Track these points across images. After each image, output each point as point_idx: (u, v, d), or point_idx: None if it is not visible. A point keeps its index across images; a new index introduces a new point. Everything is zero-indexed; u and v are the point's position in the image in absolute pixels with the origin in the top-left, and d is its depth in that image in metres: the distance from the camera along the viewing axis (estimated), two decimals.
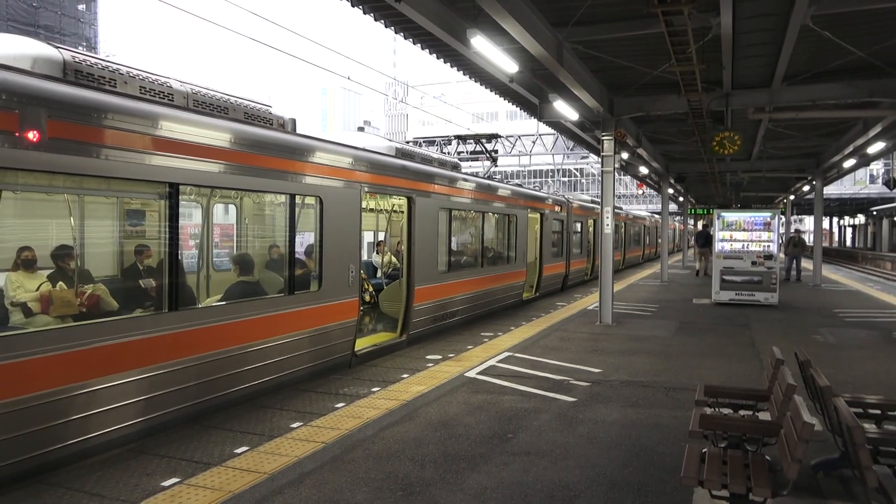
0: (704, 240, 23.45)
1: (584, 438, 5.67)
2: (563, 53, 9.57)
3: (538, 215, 17.21)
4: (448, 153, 19.81)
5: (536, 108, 13.78)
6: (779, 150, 20.79)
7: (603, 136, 12.93)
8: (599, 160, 13.47)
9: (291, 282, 7.48)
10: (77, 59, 5.55)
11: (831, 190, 48.14)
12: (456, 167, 12.96)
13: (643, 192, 60.07)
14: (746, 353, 9.60)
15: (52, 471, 4.84)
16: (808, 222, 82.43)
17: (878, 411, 4.92)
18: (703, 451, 4.18)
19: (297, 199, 7.66)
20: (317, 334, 7.82)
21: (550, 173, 59.27)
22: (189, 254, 8.49)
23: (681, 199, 36.49)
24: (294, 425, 5.97)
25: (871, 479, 3.54)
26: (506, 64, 9.04)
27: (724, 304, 15.40)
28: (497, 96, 14.82)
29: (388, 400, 6.78)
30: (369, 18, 9.24)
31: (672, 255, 40.19)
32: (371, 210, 13.50)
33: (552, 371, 8.23)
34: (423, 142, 25.06)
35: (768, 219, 15.88)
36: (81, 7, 40.23)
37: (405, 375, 8.01)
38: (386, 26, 9.69)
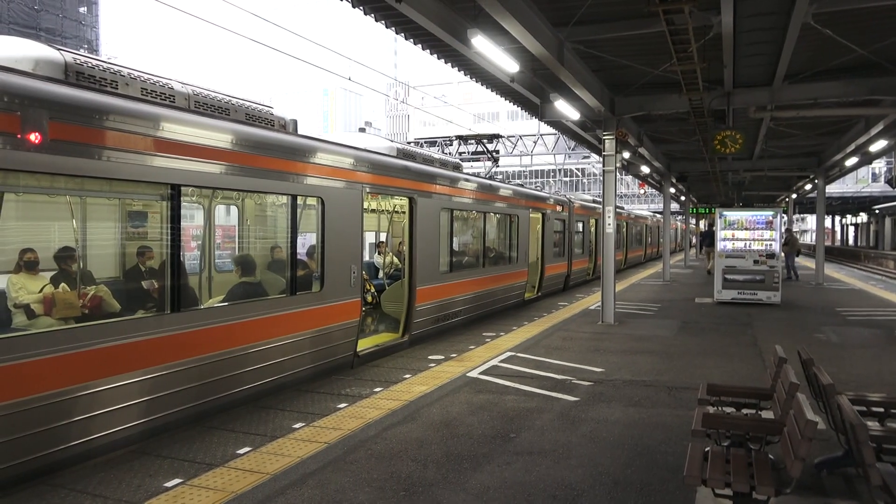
0: (711, 239, 23.45)
1: (586, 438, 5.66)
2: (564, 53, 9.57)
3: (540, 215, 17.20)
4: (449, 153, 19.81)
5: (538, 108, 13.78)
6: (780, 149, 20.75)
7: (604, 135, 12.92)
8: (601, 160, 13.46)
9: (293, 283, 7.48)
10: (78, 61, 5.55)
11: (833, 188, 48.03)
12: (457, 167, 12.95)
13: (645, 192, 60.02)
14: (749, 352, 9.58)
15: (55, 472, 4.85)
16: (811, 221, 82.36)
17: (882, 409, 4.90)
18: (706, 449, 4.17)
19: (299, 200, 7.66)
20: (319, 335, 7.82)
21: (552, 173, 59.30)
22: (191, 255, 8.49)
23: (682, 198, 36.45)
24: (296, 426, 5.98)
25: (874, 477, 3.53)
26: (507, 64, 9.04)
27: (727, 303, 15.39)
28: (498, 96, 14.83)
29: (390, 400, 6.78)
30: (370, 19, 9.25)
31: (674, 254, 40.16)
32: (373, 211, 13.50)
33: (554, 371, 8.23)
34: (425, 142, 25.06)
35: (770, 218, 15.86)
36: (83, 10, 40.34)
37: (407, 376, 8.01)
38: (387, 27, 9.70)
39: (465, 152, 18.83)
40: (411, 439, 5.57)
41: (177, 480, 4.70)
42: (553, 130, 24.30)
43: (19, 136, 4.53)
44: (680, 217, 48.92)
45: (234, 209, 8.92)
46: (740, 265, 15.52)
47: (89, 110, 5.08)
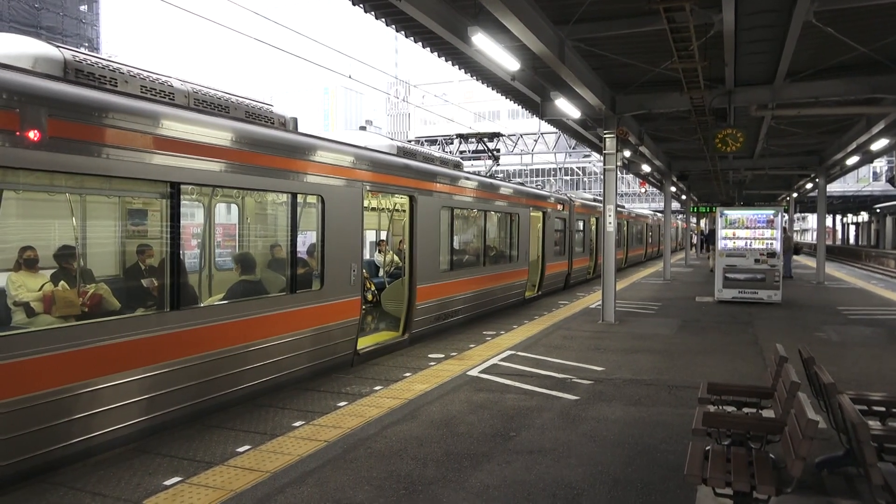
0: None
1: (586, 437, 5.65)
2: (565, 51, 9.55)
3: (540, 214, 17.19)
4: (450, 152, 19.78)
5: (538, 107, 13.76)
6: (781, 148, 20.73)
7: (605, 134, 12.90)
8: (601, 158, 13.44)
9: (293, 281, 7.47)
10: (78, 59, 5.54)
11: (834, 187, 47.98)
12: (458, 166, 12.94)
13: (646, 191, 59.92)
14: (749, 351, 9.57)
15: (54, 470, 4.84)
16: (811, 220, 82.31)
17: (883, 408, 4.89)
18: (707, 448, 4.16)
19: (299, 198, 7.65)
20: (319, 333, 7.81)
21: (553, 172, 59.22)
22: (191, 253, 8.48)
23: (683, 197, 36.43)
24: (296, 424, 5.97)
25: (876, 477, 3.51)
26: (507, 62, 9.02)
27: (727, 301, 15.37)
28: (499, 95, 14.80)
29: (390, 398, 6.78)
30: (370, 17, 9.24)
31: (675, 253, 40.14)
32: (373, 209, 13.49)
33: (555, 369, 8.22)
34: (425, 141, 25.03)
35: (771, 216, 15.84)
36: (83, 8, 40.32)
37: (407, 374, 8.00)
38: (387, 24, 9.68)
39: (465, 151, 18.79)
40: (411, 438, 5.56)
41: (176, 479, 4.69)
42: (554, 129, 24.28)
43: (18, 133, 4.52)
44: (681, 216, 48.90)
45: (234, 207, 8.92)
46: (741, 264, 15.50)
47: (88, 108, 5.07)
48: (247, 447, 5.35)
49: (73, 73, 5.42)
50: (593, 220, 23.09)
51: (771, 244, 15.54)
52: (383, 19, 9.45)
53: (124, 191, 6.25)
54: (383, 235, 14.40)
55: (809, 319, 12.80)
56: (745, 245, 15.67)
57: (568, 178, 65.28)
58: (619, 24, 9.35)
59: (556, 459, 5.09)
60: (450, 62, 11.95)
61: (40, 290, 5.51)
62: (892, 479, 3.66)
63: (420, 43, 10.74)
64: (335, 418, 6.09)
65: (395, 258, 13.29)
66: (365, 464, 4.95)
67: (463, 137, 17.68)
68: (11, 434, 4.53)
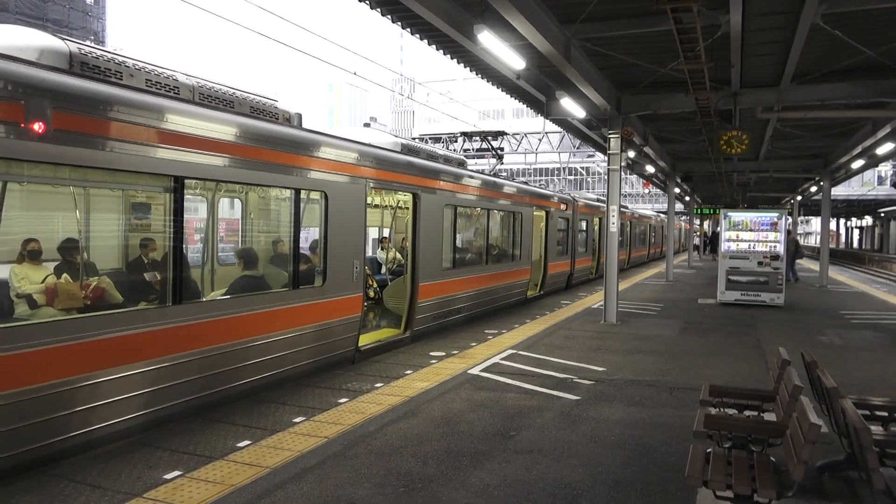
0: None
1: (587, 437, 5.64)
2: (571, 50, 9.52)
3: (543, 213, 17.17)
4: (454, 150, 19.78)
5: (543, 106, 13.74)
6: (786, 150, 20.68)
7: (610, 134, 12.87)
8: (606, 158, 13.42)
9: (295, 277, 7.47)
10: (83, 52, 5.53)
11: (839, 191, 47.86)
12: (462, 164, 12.93)
13: (649, 191, 59.89)
14: (751, 354, 9.55)
15: (54, 462, 4.84)
16: (815, 223, 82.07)
17: (885, 413, 4.87)
18: (708, 451, 4.15)
19: (302, 194, 7.64)
20: (320, 329, 7.81)
21: (556, 171, 59.14)
22: (194, 247, 8.49)
23: (687, 198, 36.35)
24: (296, 420, 5.97)
25: (878, 482, 3.50)
26: (513, 60, 9.00)
27: (730, 304, 15.34)
28: (504, 93, 14.78)
29: (390, 396, 6.77)
30: (376, 14, 9.22)
31: (677, 254, 40.07)
32: (376, 206, 13.49)
33: (556, 369, 8.21)
34: (429, 138, 25.05)
35: (775, 219, 15.80)
36: (89, 1, 40.35)
37: (408, 372, 8.00)
38: (393, 21, 9.67)
39: (469, 149, 18.81)
40: (411, 435, 5.56)
41: (176, 472, 4.69)
42: (558, 128, 24.26)
43: (23, 125, 4.52)
44: (684, 217, 48.81)
45: (237, 202, 8.91)
46: (744, 266, 15.47)
47: (93, 100, 5.06)
48: (247, 442, 5.35)
49: (78, 65, 5.41)
50: (596, 220, 23.06)
51: (774, 247, 15.51)
52: (389, 16, 9.44)
53: (128, 184, 6.25)
54: (386, 232, 14.40)
55: (812, 323, 12.77)
56: (749, 247, 15.64)
57: (571, 177, 65.17)
58: (626, 24, 9.33)
59: (556, 459, 5.08)
60: (455, 60, 11.93)
61: (43, 282, 5.51)
62: (893, 484, 3.65)
63: (426, 40, 10.73)
64: (335, 415, 6.09)
65: (398, 255, 13.29)
66: (365, 461, 4.95)
67: (467, 136, 17.68)
68: (13, 426, 4.53)
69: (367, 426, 5.76)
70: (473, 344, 9.91)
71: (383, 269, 13.15)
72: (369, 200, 9.12)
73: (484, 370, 8.05)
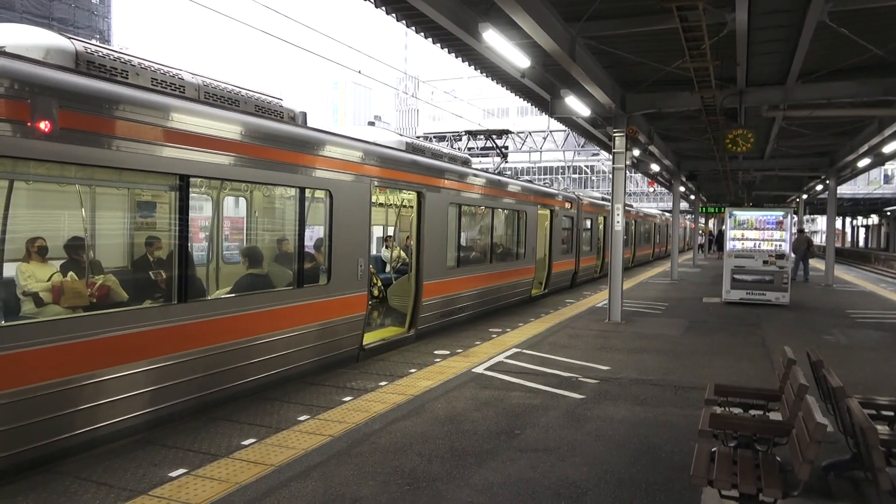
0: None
1: (591, 436, 5.64)
2: (576, 49, 9.50)
3: (548, 212, 17.14)
4: (458, 148, 19.75)
5: (548, 104, 13.71)
6: (792, 149, 20.59)
7: (615, 132, 12.84)
8: (610, 157, 13.38)
9: (300, 275, 7.49)
10: (89, 50, 5.55)
11: (844, 190, 47.63)
12: (466, 163, 12.92)
13: (654, 190, 59.65)
14: (757, 353, 9.52)
15: (59, 460, 4.86)
16: (821, 222, 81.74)
17: (892, 413, 4.86)
18: (713, 450, 4.14)
19: (307, 193, 7.65)
20: (325, 328, 7.82)
21: (561, 170, 59.04)
22: (199, 246, 8.51)
23: (692, 197, 36.25)
24: (301, 418, 5.98)
25: (884, 482, 3.49)
26: (517, 59, 8.99)
27: (735, 303, 15.30)
28: (508, 92, 14.76)
29: (395, 394, 6.78)
30: (380, 12, 9.22)
31: (682, 253, 39.97)
32: (381, 205, 13.49)
33: (560, 368, 8.20)
34: (434, 137, 25.03)
35: (780, 218, 15.75)
36: (95, 0, 40.43)
37: (413, 370, 8.00)
38: (397, 20, 9.67)
39: (474, 147, 18.77)
40: (416, 434, 5.57)
41: (181, 470, 4.70)
42: (563, 127, 24.19)
43: (29, 124, 4.53)
44: (689, 216, 48.65)
45: (242, 201, 8.93)
46: (749, 265, 15.42)
47: (99, 99, 5.07)
48: (252, 440, 5.37)
49: (84, 64, 5.43)
50: (601, 218, 23.01)
51: (780, 245, 15.46)
52: (394, 15, 9.43)
53: (134, 183, 6.26)
54: (390, 231, 14.41)
55: (817, 322, 12.73)
56: (754, 246, 15.60)
57: (576, 176, 65.07)
58: (631, 23, 9.30)
59: (560, 458, 5.08)
60: (460, 59, 11.92)
61: (49, 280, 5.54)
62: None
63: (430, 39, 10.72)
64: (340, 413, 6.10)
65: (402, 254, 13.29)
66: (369, 459, 4.96)
67: (471, 134, 17.67)
68: (18, 424, 4.55)
69: (371, 424, 5.76)
70: (478, 342, 9.92)
71: (388, 268, 13.15)
72: (374, 199, 9.12)
73: (488, 369, 8.05)
